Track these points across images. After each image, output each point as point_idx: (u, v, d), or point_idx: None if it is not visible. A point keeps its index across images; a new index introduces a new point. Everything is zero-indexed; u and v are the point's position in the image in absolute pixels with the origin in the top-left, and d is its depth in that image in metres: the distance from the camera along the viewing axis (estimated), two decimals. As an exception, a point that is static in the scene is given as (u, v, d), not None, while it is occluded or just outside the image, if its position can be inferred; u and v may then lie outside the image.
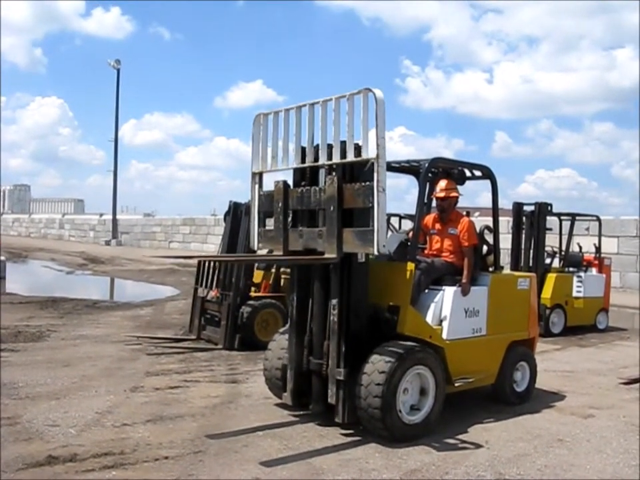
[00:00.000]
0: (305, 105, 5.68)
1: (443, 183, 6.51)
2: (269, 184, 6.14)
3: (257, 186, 6.20)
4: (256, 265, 9.83)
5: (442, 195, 6.48)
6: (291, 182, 5.95)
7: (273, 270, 9.93)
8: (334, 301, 5.50)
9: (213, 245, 32.82)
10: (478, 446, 5.29)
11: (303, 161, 5.73)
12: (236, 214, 9.91)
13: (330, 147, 5.48)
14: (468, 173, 6.75)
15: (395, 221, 13.09)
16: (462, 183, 6.72)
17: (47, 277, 22.65)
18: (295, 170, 5.91)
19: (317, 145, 5.60)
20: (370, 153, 5.12)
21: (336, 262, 5.42)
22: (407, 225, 12.78)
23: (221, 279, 9.43)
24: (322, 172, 5.69)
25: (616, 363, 9.23)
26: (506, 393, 6.55)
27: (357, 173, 5.43)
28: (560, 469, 4.87)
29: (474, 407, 6.37)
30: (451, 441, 5.38)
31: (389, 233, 12.92)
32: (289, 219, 5.92)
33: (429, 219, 6.74)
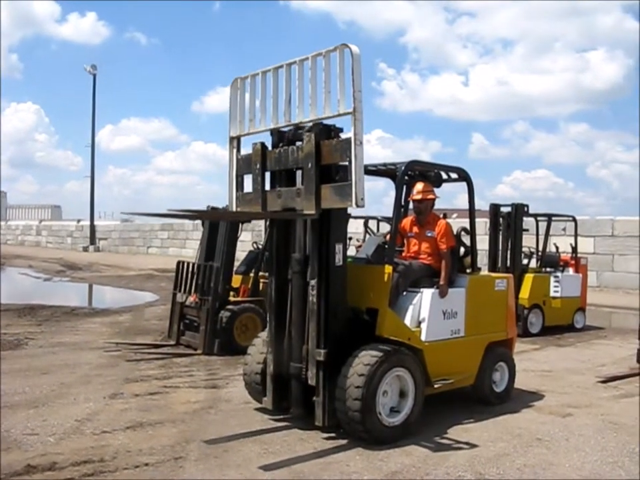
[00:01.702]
0: (281, 66, 5.69)
1: (419, 186, 6.54)
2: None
3: (234, 150, 6.22)
4: (234, 269, 9.83)
5: (419, 197, 6.50)
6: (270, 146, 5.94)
7: (252, 274, 9.93)
8: (313, 282, 5.49)
9: (191, 250, 32.59)
10: (458, 447, 5.32)
11: (280, 121, 5.73)
12: (214, 219, 9.90)
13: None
14: (444, 176, 6.80)
15: (373, 224, 13.16)
16: (438, 186, 6.76)
17: (24, 284, 22.41)
18: (273, 132, 5.88)
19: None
20: (347, 107, 5.11)
21: (314, 218, 5.42)
22: (385, 227, 12.85)
23: (200, 283, 9.39)
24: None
25: (593, 361, 9.33)
26: (485, 394, 6.59)
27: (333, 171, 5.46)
28: (539, 468, 4.92)
29: (454, 408, 6.39)
30: (431, 442, 5.40)
31: (367, 236, 13.02)
32: (267, 180, 5.93)
33: (406, 221, 6.77)
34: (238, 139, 6.21)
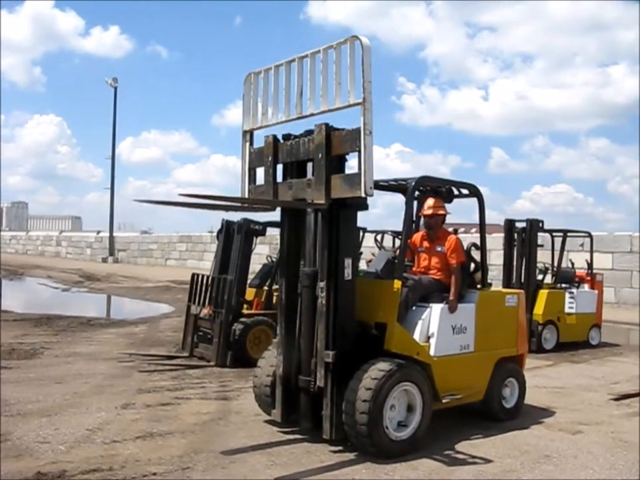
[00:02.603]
0: (293, 60, 5.78)
1: (430, 201, 6.58)
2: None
3: (247, 144, 6.33)
4: (248, 282, 9.91)
5: (429, 212, 6.54)
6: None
7: (266, 287, 9.99)
8: (322, 284, 5.55)
9: (209, 262, 32.61)
10: (465, 462, 5.33)
11: (292, 113, 5.82)
12: (228, 232, 10.00)
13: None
14: (455, 191, 6.83)
15: (387, 238, 13.21)
16: (449, 201, 6.79)
17: (42, 295, 22.65)
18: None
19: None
20: (357, 97, 5.18)
21: (324, 207, 5.50)
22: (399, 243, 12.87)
23: (214, 296, 9.47)
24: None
25: (607, 378, 9.27)
26: (494, 409, 6.58)
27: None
28: (545, 485, 4.91)
29: (462, 423, 6.40)
30: (438, 457, 5.40)
31: (377, 251, 13.06)
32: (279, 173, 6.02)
33: (416, 236, 6.81)
34: (251, 132, 6.33)
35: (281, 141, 5.99)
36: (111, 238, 44.46)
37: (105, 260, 42.69)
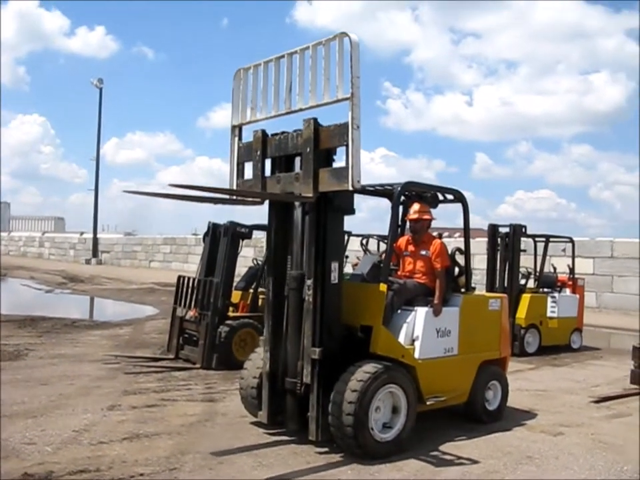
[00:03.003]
0: (283, 56, 5.86)
1: (416, 206, 6.66)
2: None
3: (236, 138, 6.39)
4: (234, 285, 9.95)
5: (415, 217, 6.63)
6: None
7: (251, 290, 10.04)
8: (309, 282, 5.62)
9: (194, 265, 32.68)
10: (449, 463, 5.41)
11: (281, 108, 5.89)
12: (215, 235, 10.04)
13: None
14: (440, 197, 6.92)
15: (373, 242, 13.30)
16: (434, 206, 6.88)
17: (26, 296, 22.56)
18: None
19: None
20: (345, 92, 5.26)
21: (312, 201, 5.56)
22: (384, 246, 12.95)
23: (200, 298, 9.50)
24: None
25: (588, 381, 9.40)
26: (477, 412, 6.67)
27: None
28: (527, 485, 5.00)
29: (446, 425, 6.48)
30: (423, 458, 5.48)
31: (362, 255, 13.14)
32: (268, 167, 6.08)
33: (401, 240, 6.89)
34: (239, 127, 6.39)
35: (270, 135, 6.05)
36: (95, 239, 44.31)
37: (88, 261, 42.56)
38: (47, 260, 47.54)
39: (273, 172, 6.09)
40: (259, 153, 6.05)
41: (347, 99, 5.24)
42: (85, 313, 17.85)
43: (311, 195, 5.51)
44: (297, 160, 5.83)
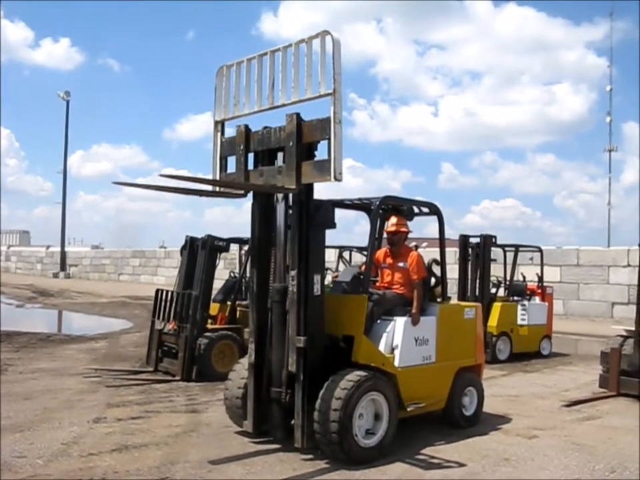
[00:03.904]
0: (265, 54, 6.04)
1: (393, 219, 6.88)
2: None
3: (218, 133, 6.55)
4: (212, 297, 10.07)
5: (392, 229, 6.85)
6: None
7: (229, 302, 10.17)
8: (292, 273, 5.78)
9: (163, 277, 32.79)
10: (430, 466, 5.61)
11: (264, 104, 6.06)
12: (192, 248, 10.16)
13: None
14: (416, 210, 7.15)
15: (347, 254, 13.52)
16: (411, 219, 7.09)
17: (-4, 311, 22.32)
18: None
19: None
20: (327, 88, 5.45)
21: (295, 192, 5.74)
22: (358, 257, 13.20)
23: (178, 311, 9.61)
24: None
25: (559, 386, 9.69)
26: (455, 417, 6.89)
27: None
28: (506, 486, 5.22)
29: (426, 430, 6.68)
30: (405, 462, 5.68)
31: (340, 265, 13.34)
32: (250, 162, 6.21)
33: (380, 253, 7.10)
34: (222, 123, 6.55)
35: (252, 130, 6.21)
36: (63, 253, 43.90)
37: (56, 275, 42.17)
38: (14, 274, 46.95)
39: (255, 166, 6.23)
40: (241, 147, 6.20)
41: (329, 94, 5.43)
42: (59, 328, 17.77)
43: (294, 186, 5.69)
44: (280, 154, 5.99)
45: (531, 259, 16.33)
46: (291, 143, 5.72)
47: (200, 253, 9.95)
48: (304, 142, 5.71)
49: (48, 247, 49.05)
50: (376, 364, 6.00)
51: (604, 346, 9.08)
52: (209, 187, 6.37)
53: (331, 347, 5.96)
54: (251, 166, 6.26)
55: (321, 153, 5.73)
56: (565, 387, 9.66)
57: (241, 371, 6.45)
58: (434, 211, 7.03)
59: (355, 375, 5.66)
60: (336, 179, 5.35)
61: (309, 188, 5.82)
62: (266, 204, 6.20)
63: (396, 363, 6.24)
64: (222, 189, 6.39)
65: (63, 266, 43.18)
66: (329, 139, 5.42)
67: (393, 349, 6.34)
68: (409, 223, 6.99)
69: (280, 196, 6.10)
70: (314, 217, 5.78)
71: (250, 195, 6.27)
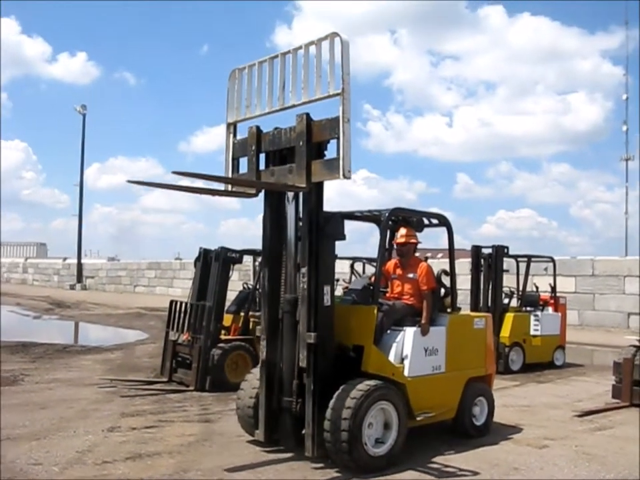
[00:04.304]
0: (276, 56, 6.19)
1: (403, 230, 6.96)
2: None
3: (231, 135, 6.71)
4: (225, 309, 10.17)
5: (402, 240, 6.92)
6: None
7: (242, 313, 10.27)
8: (303, 270, 5.88)
9: (179, 289, 32.88)
10: (440, 476, 5.65)
11: (275, 105, 6.19)
12: (206, 260, 10.28)
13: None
14: (426, 221, 7.23)
15: (359, 265, 13.59)
16: (420, 230, 7.17)
17: (13, 322, 22.54)
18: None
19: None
20: (336, 88, 5.57)
21: (305, 191, 5.86)
22: (370, 269, 13.27)
23: (192, 322, 9.72)
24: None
25: (571, 397, 9.68)
26: (465, 427, 6.92)
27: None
28: (514, 495, 5.26)
29: (435, 439, 6.71)
30: (414, 471, 5.72)
31: (352, 277, 13.43)
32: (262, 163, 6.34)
33: (390, 264, 7.17)
34: (234, 124, 6.71)
35: (264, 131, 6.34)
36: (79, 265, 44.20)
37: (72, 287, 42.40)
38: (31, 286, 47.35)
39: (267, 166, 6.36)
40: (253, 147, 6.34)
41: (338, 94, 5.56)
42: (75, 338, 17.94)
43: (304, 185, 5.80)
44: (290, 154, 6.09)
45: (545, 269, 16.30)
46: (301, 143, 5.86)
47: (213, 264, 10.07)
48: (314, 141, 5.84)
49: (65, 258, 49.38)
50: (386, 374, 6.06)
51: (617, 356, 9.08)
52: (221, 187, 6.50)
53: (341, 356, 6.03)
54: (262, 166, 6.39)
55: (330, 152, 5.86)
56: (577, 397, 9.65)
57: (252, 380, 6.53)
58: (443, 222, 7.09)
59: (365, 385, 5.72)
60: (345, 177, 5.46)
61: (319, 187, 5.94)
62: (277, 204, 6.30)
63: (405, 373, 6.29)
64: (234, 189, 6.53)
65: (79, 278, 43.43)
66: (338, 138, 5.54)
67: (402, 359, 6.39)
68: (418, 235, 7.07)
69: (290, 196, 6.20)
70: (324, 229, 5.88)
71: (261, 195, 6.37)
